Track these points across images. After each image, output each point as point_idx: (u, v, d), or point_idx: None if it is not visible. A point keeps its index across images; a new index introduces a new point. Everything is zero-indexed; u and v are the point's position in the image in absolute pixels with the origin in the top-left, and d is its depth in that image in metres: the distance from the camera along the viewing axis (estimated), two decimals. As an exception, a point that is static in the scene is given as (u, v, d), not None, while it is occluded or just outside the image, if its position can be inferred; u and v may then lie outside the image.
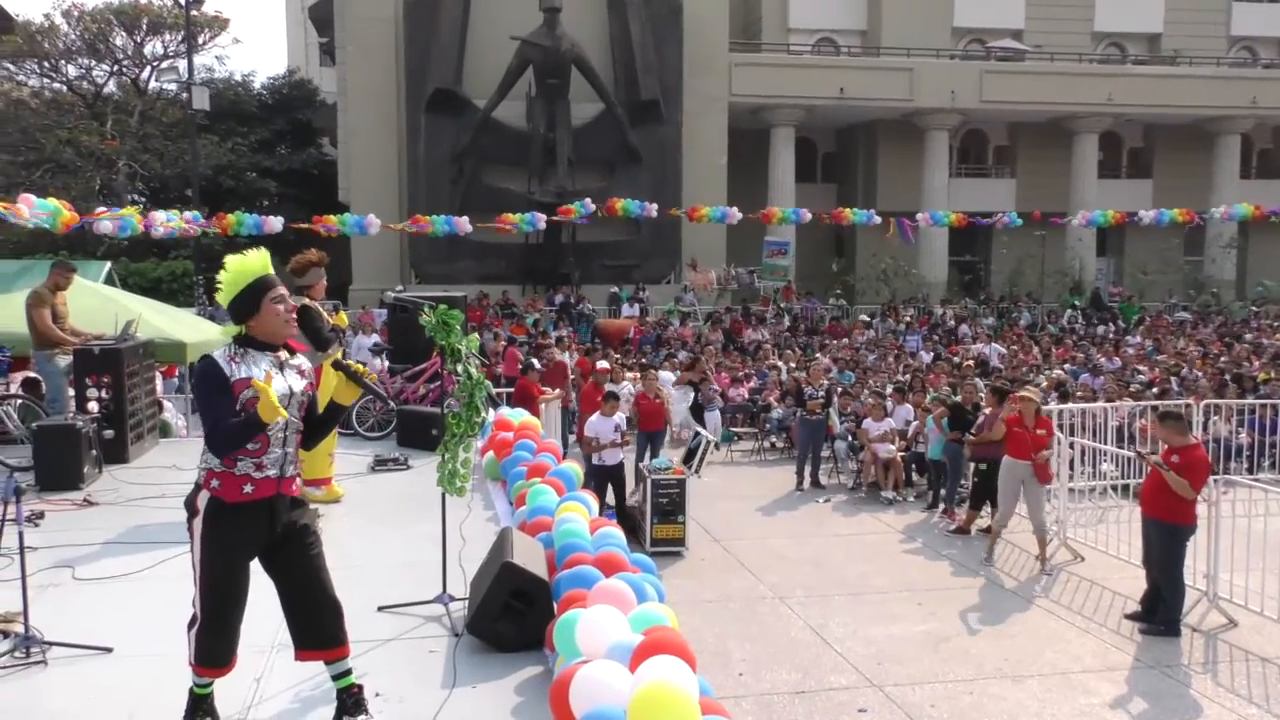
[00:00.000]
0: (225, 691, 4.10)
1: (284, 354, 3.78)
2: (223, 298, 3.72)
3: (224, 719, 3.90)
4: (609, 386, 12.70)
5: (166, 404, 11.59)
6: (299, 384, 3.78)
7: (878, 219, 22.20)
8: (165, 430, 10.59)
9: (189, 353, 11.18)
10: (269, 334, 3.72)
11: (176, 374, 14.43)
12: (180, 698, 3.79)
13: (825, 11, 33.57)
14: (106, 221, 12.70)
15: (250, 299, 3.69)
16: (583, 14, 26.17)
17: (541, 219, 19.69)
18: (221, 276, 3.71)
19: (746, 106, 29.09)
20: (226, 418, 3.55)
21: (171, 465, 8.57)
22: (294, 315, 3.84)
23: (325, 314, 7.10)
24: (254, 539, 3.70)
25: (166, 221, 13.82)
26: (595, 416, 10.78)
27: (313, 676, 4.21)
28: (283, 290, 3.76)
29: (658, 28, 26.73)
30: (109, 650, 4.52)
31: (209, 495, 3.63)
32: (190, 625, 3.71)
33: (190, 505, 3.69)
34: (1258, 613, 7.80)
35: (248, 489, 3.63)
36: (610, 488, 10.77)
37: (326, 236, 17.65)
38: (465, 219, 18.96)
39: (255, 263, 3.72)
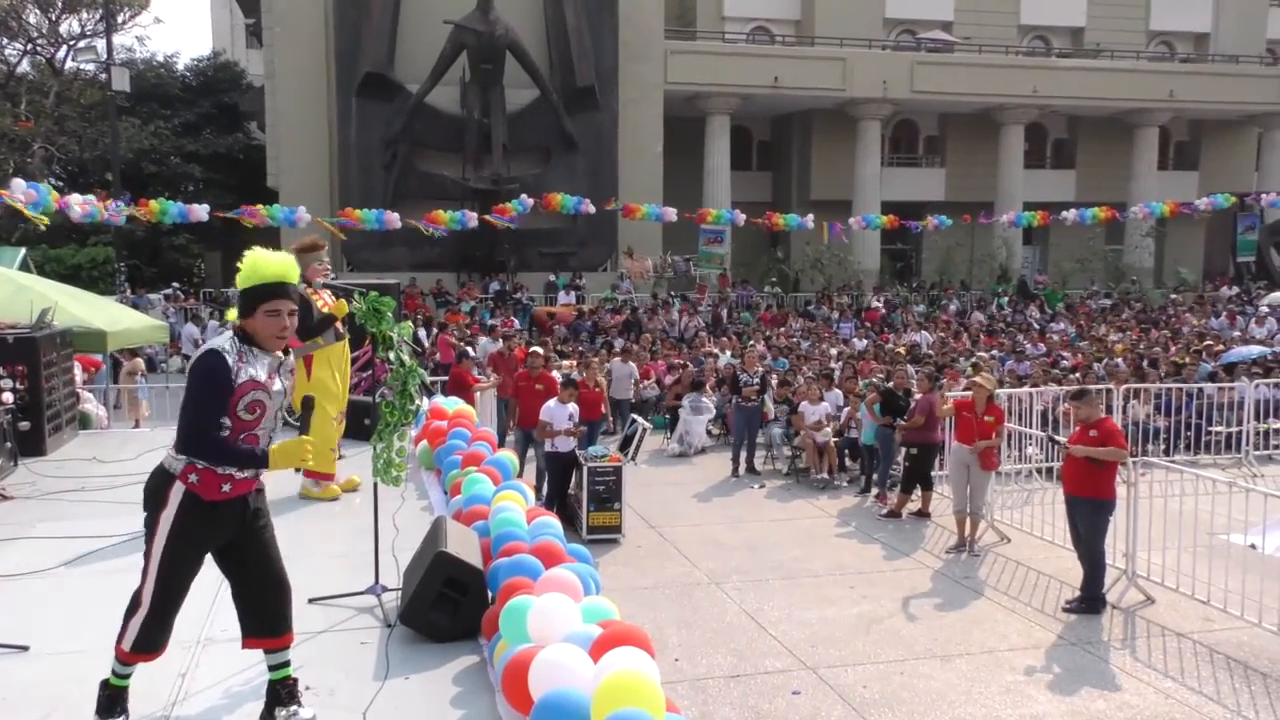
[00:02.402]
0: (148, 688, 4.00)
1: (280, 354, 3.67)
2: (237, 283, 3.58)
3: (147, 716, 3.80)
4: (562, 373, 12.69)
5: (86, 394, 11.23)
6: (287, 384, 3.73)
7: (810, 224, 22.50)
8: (85, 422, 10.27)
9: (109, 341, 10.87)
10: (260, 339, 3.56)
11: (103, 367, 13.97)
12: (98, 693, 3.68)
13: (759, 0, 33.77)
14: (19, 195, 12.21)
15: (251, 300, 3.54)
16: (517, -1, 25.95)
17: (472, 217, 19.49)
18: (241, 264, 3.57)
19: (682, 94, 29.14)
20: (217, 422, 3.42)
21: (91, 458, 8.32)
22: (286, 335, 3.63)
23: (317, 301, 6.75)
24: (223, 535, 3.62)
25: (83, 202, 13.36)
26: (552, 403, 10.68)
27: (241, 671, 4.12)
28: (282, 305, 3.54)
29: (593, 14, 26.60)
30: (25, 648, 4.37)
31: (184, 490, 3.49)
32: (131, 612, 3.59)
33: (157, 495, 3.52)
34: (1173, 589, 8.08)
35: (226, 488, 3.52)
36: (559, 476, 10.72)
37: (253, 228, 17.24)
38: (396, 215, 18.70)
39: (271, 267, 3.53)
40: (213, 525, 3.56)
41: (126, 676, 3.67)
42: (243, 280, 3.55)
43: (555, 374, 12.06)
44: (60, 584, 5.26)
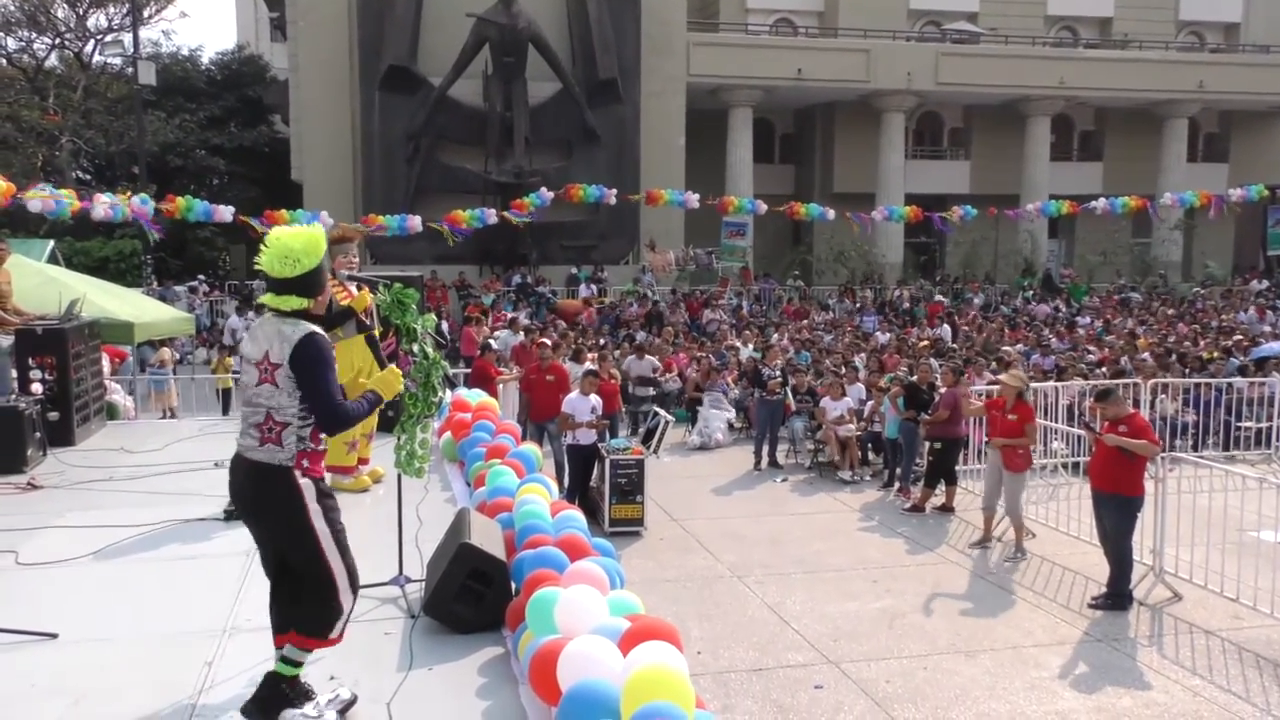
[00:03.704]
0: (175, 677, 4.03)
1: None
2: (288, 269, 3.58)
3: (175, 703, 3.83)
4: (585, 366, 12.75)
5: (114, 385, 11.34)
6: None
7: (831, 214, 22.39)
8: (112, 412, 10.37)
9: (136, 333, 10.97)
10: (321, 310, 3.73)
11: (128, 358, 14.11)
12: (126, 682, 3.72)
13: (783, -8, 33.60)
14: (36, 202, 12.33)
15: (320, 276, 3.67)
16: (540, -9, 25.91)
17: (491, 214, 19.54)
18: (286, 246, 3.57)
19: (705, 87, 29.02)
20: (341, 396, 3.64)
21: (119, 448, 8.40)
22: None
23: (339, 293, 6.76)
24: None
25: (109, 204, 13.46)
26: (574, 395, 10.72)
27: (267, 660, 4.12)
28: (342, 249, 3.79)
29: (615, 6, 26.51)
30: (54, 636, 4.41)
31: (307, 479, 3.61)
32: (326, 604, 3.63)
33: (288, 492, 3.56)
34: (1202, 586, 7.99)
35: (322, 465, 3.74)
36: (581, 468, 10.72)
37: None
38: (417, 219, 18.85)
39: (323, 238, 3.68)
40: (332, 497, 3.75)
41: (302, 664, 3.72)
42: (313, 252, 3.60)
43: (582, 365, 12.07)
44: (88, 573, 5.31)
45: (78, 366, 8.69)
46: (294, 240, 3.60)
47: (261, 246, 3.64)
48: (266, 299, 3.67)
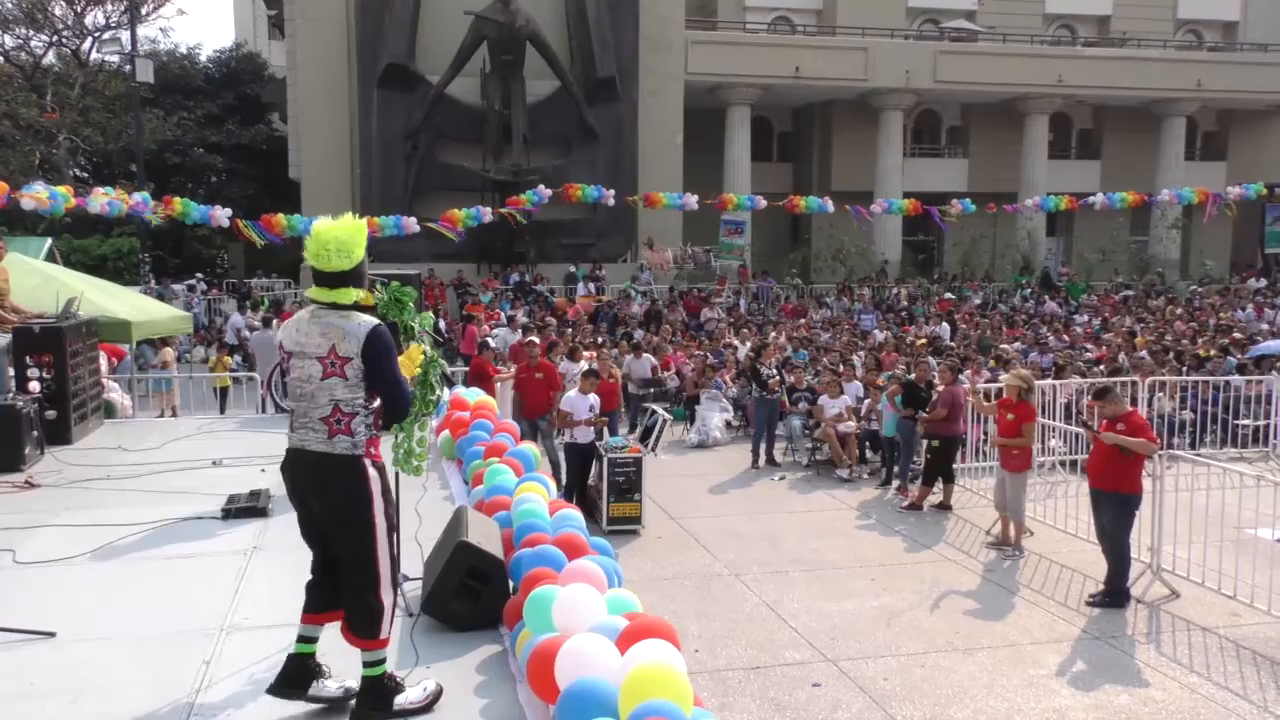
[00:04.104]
0: (173, 675, 4.03)
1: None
2: (343, 262, 3.61)
3: (172, 702, 3.83)
4: (582, 364, 12.78)
5: (111, 383, 11.34)
6: None
7: (830, 206, 22.39)
8: (110, 411, 10.37)
9: (134, 332, 10.96)
10: (370, 302, 3.87)
11: (126, 356, 14.10)
12: (124, 681, 3.72)
13: (781, -10, 33.60)
14: (29, 202, 12.32)
15: (366, 266, 3.73)
16: (538, -11, 25.89)
17: (487, 213, 19.52)
18: (337, 239, 3.60)
19: (703, 85, 29.01)
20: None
21: (117, 446, 8.40)
22: None
23: None
24: None
25: (106, 199, 13.43)
26: (572, 393, 10.77)
27: (264, 658, 4.15)
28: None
29: (613, 4, 26.51)
30: (52, 635, 4.41)
31: (374, 470, 3.67)
32: (375, 609, 3.65)
33: (358, 483, 3.61)
34: (1199, 584, 8.00)
35: (379, 449, 3.79)
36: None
37: (260, 246, 17.40)
38: (413, 220, 18.82)
39: (365, 229, 3.73)
40: (390, 492, 3.80)
41: (384, 660, 3.75)
42: (360, 244, 3.64)
43: (578, 363, 12.08)
44: (86, 571, 5.31)
45: (75, 365, 8.69)
46: (343, 232, 3.62)
47: (305, 241, 3.66)
48: (316, 293, 3.67)
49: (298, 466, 3.70)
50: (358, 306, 3.69)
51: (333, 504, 3.64)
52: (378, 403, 3.72)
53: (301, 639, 3.79)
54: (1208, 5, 36.29)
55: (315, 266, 3.63)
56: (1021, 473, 9.48)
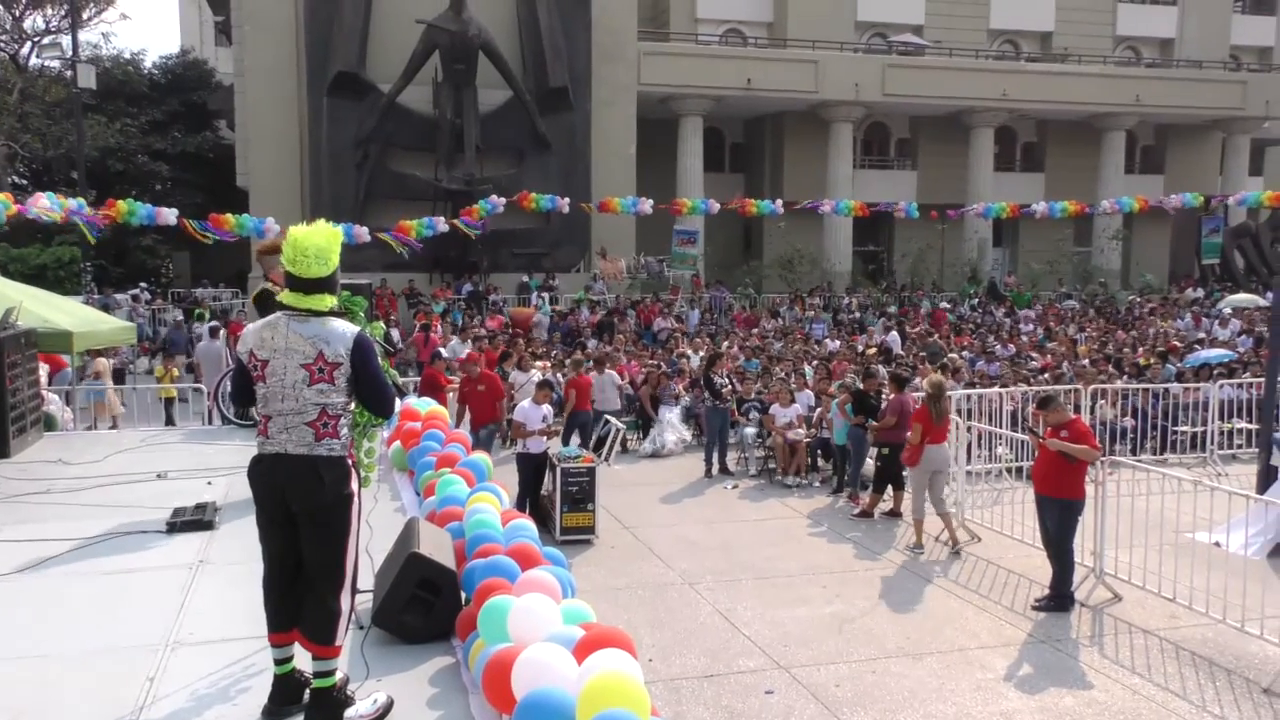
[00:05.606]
0: (116, 693, 3.95)
1: None
2: (321, 268, 3.64)
3: (115, 721, 3.75)
4: (535, 375, 12.99)
5: (51, 395, 11.06)
6: None
7: (782, 209, 22.66)
8: (50, 424, 10.12)
9: (75, 342, 10.70)
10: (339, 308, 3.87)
11: (67, 367, 13.75)
12: (65, 699, 3.62)
13: (732, 2, 33.92)
14: None
15: (339, 273, 3.78)
16: (490, -1, 25.85)
17: (440, 222, 19.40)
18: (316, 245, 3.62)
19: (655, 96, 29.17)
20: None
21: (57, 459, 8.20)
22: None
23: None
24: None
25: (49, 208, 13.11)
26: (526, 403, 10.78)
27: (210, 674, 4.08)
28: None
29: (566, 15, 26.54)
30: (-12, 654, 4.29)
31: (354, 468, 3.78)
32: (336, 615, 3.66)
33: (345, 486, 3.69)
34: (1140, 587, 8.17)
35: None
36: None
37: (212, 242, 17.06)
38: (364, 230, 18.56)
39: (340, 235, 3.76)
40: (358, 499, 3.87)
41: (335, 670, 3.71)
42: (336, 250, 3.68)
43: (528, 374, 12.11)
44: (24, 587, 5.17)
45: (13, 376, 8.46)
46: (321, 239, 3.64)
47: (283, 247, 3.66)
48: (292, 299, 3.66)
49: (272, 473, 3.67)
50: (333, 313, 3.73)
51: (320, 504, 3.66)
52: (353, 405, 3.82)
53: (278, 660, 3.76)
54: (1145, 22, 37.37)
55: (292, 272, 3.64)
56: (915, 467, 9.88)
